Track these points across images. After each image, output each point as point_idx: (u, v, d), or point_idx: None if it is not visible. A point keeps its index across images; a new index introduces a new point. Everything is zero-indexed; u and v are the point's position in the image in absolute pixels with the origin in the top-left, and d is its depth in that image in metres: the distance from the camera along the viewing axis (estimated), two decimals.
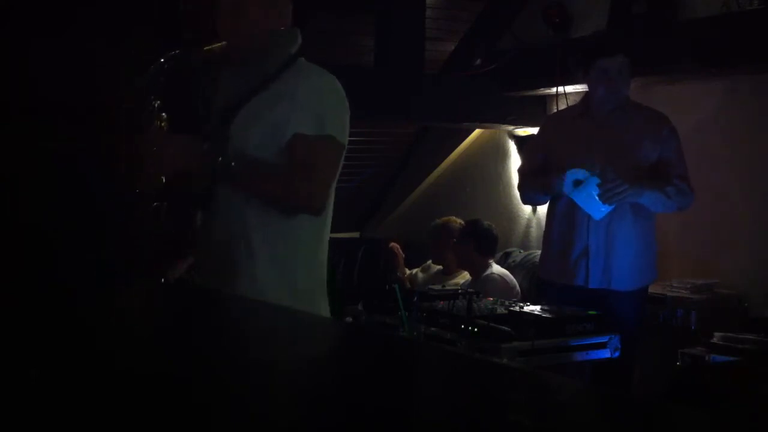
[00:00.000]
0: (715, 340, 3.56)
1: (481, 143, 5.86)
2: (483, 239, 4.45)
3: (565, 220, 3.40)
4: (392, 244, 5.04)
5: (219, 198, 2.29)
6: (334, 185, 2.32)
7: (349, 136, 2.33)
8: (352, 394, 0.98)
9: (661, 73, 4.29)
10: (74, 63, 3.24)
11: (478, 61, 5.24)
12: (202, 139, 2.30)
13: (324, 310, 2.37)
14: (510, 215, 5.53)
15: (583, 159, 3.33)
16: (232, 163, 2.20)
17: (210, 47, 2.31)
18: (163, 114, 2.23)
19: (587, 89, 3.49)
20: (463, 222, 4.71)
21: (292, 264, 2.28)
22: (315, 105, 2.23)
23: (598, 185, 3.20)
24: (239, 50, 2.33)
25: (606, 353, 3.01)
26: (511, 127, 5.49)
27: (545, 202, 3.58)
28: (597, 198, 3.22)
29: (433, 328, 2.99)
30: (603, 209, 3.24)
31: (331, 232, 2.41)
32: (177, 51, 2.25)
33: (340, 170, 2.34)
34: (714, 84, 4.35)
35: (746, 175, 4.26)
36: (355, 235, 6.48)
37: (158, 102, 2.23)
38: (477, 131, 5.85)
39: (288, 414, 0.89)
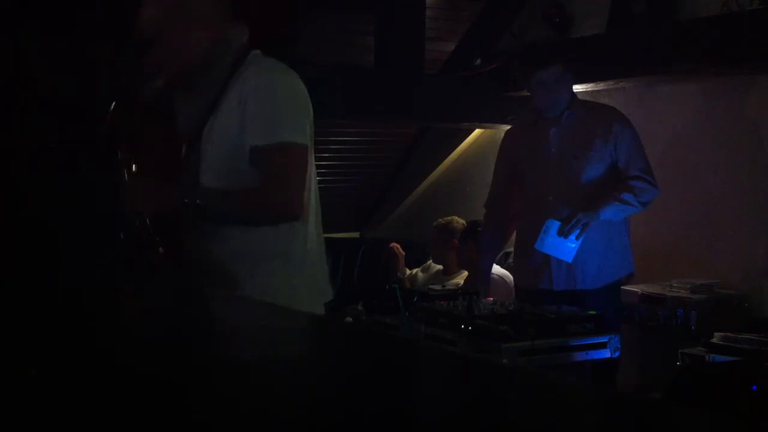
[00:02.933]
0: (715, 340, 3.56)
1: (481, 143, 5.86)
2: None
3: (528, 223, 3.44)
4: (392, 244, 5.04)
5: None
6: (307, 189, 2.21)
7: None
8: (352, 394, 0.98)
9: (661, 73, 4.29)
10: (74, 63, 3.24)
11: (478, 61, 5.24)
12: (177, 170, 2.25)
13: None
14: None
15: (540, 164, 3.39)
16: (198, 201, 2.14)
17: (153, 79, 2.21)
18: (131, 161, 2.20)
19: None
20: (465, 222, 4.71)
21: (268, 281, 2.21)
22: (264, 109, 2.13)
23: (559, 229, 3.24)
24: (178, 72, 2.22)
25: (606, 353, 3.01)
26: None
27: None
28: (561, 239, 3.25)
29: (433, 328, 2.99)
30: (573, 247, 3.26)
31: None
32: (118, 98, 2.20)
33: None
34: (714, 84, 4.35)
35: (746, 175, 4.25)
36: (355, 235, 6.47)
37: (122, 150, 2.21)
38: (477, 131, 5.84)
39: (288, 414, 0.89)
